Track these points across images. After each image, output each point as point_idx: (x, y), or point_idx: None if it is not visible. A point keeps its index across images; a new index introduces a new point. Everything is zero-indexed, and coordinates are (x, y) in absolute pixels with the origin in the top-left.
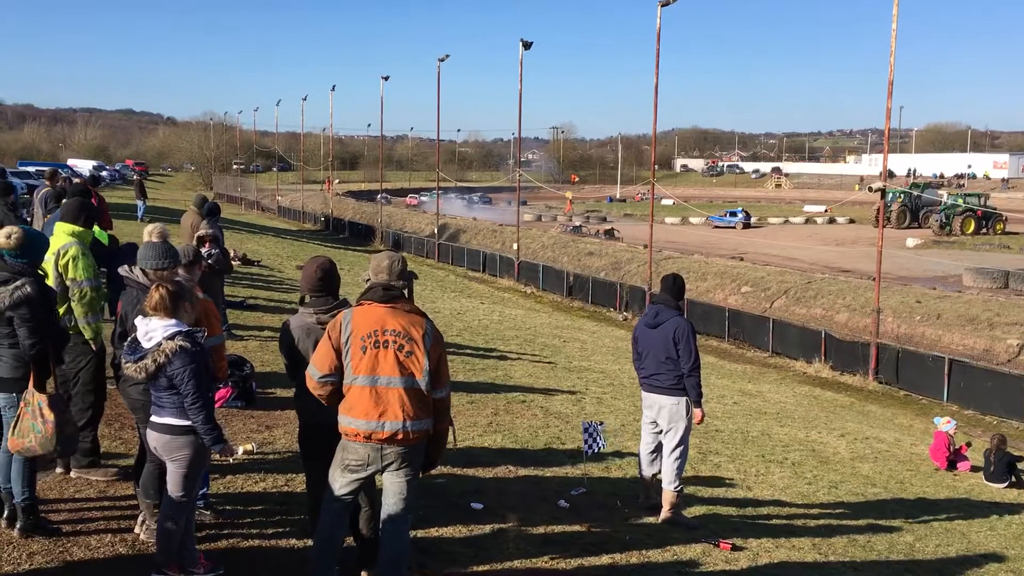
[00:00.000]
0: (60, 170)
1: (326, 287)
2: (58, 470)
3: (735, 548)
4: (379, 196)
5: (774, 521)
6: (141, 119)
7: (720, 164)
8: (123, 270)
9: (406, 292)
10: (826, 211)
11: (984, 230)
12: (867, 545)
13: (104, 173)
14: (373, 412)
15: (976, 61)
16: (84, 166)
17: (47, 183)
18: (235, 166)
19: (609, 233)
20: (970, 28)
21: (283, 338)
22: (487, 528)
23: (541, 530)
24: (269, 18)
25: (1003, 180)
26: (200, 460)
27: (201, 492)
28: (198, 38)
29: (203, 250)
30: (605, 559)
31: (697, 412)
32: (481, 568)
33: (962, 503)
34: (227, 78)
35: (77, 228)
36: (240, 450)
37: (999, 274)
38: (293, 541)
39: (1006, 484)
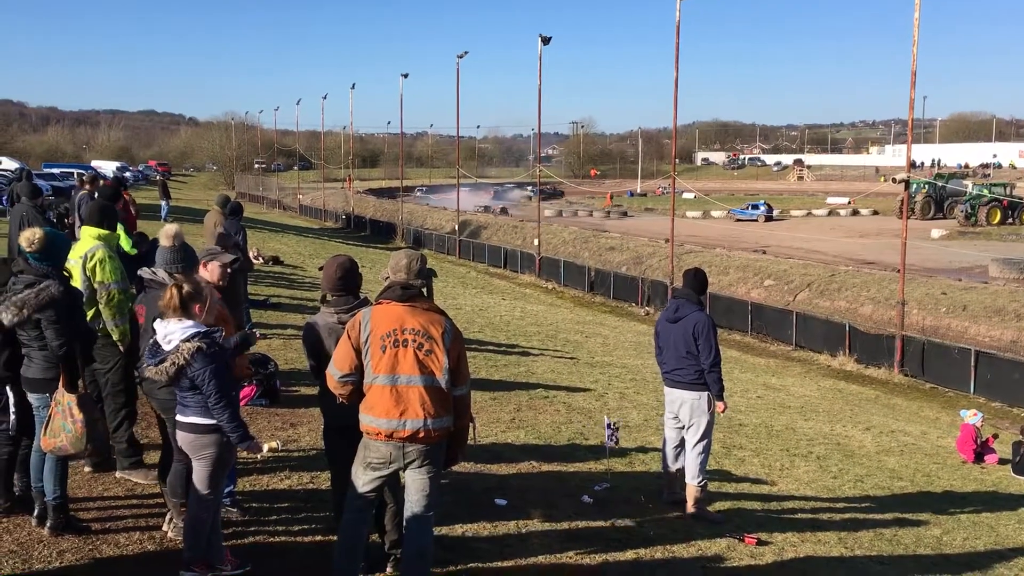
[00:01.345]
0: (98, 174)
1: (346, 286)
2: (87, 468)
3: (760, 543)
4: (417, 190)
5: (799, 515)
6: (163, 120)
7: (741, 157)
8: (145, 272)
9: (425, 290)
10: (849, 203)
11: (1010, 220)
12: (894, 539)
13: (128, 174)
14: (394, 411)
15: (1001, 49)
16: (108, 167)
17: (86, 186)
18: (256, 165)
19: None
20: (995, 15)
21: (306, 338)
22: (511, 524)
23: (565, 526)
24: (288, 16)
25: None
26: (226, 458)
27: (227, 490)
28: (219, 38)
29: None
30: (630, 554)
31: (719, 404)
32: (506, 564)
33: (990, 496)
34: (248, 78)
35: (102, 231)
36: (266, 448)
37: None
38: (319, 537)
39: None
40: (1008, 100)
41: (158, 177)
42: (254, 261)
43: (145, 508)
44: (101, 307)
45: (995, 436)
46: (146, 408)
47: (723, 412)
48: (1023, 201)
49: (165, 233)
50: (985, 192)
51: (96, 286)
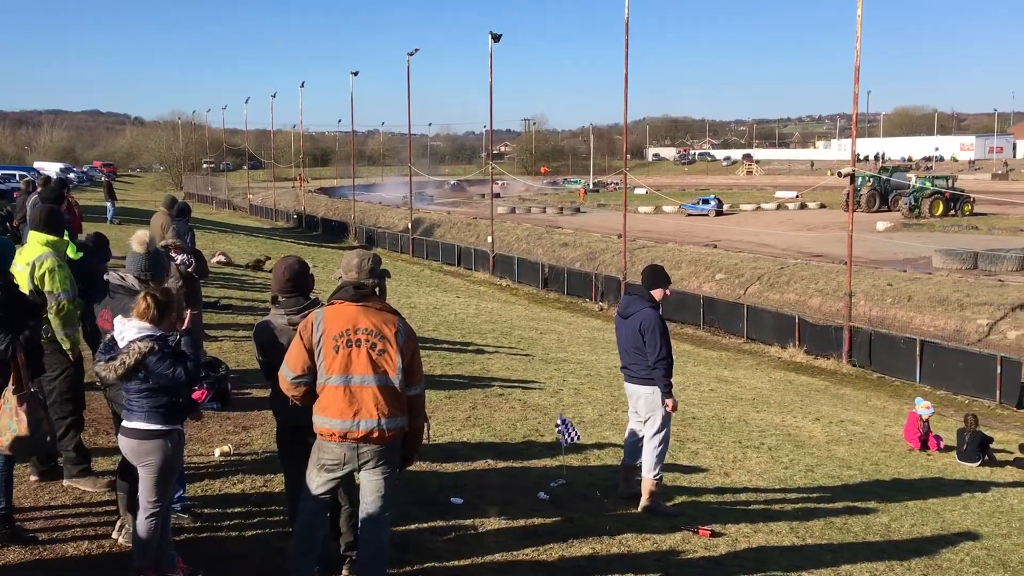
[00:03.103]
0: (51, 177)
1: (296, 287)
2: (33, 478)
3: (714, 534)
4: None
5: (752, 506)
6: (108, 120)
7: (692, 152)
8: (113, 276)
9: (378, 290)
10: (797, 197)
11: (952, 212)
12: (844, 527)
13: (72, 175)
14: (347, 411)
15: (942, 44)
16: (51, 168)
17: (39, 189)
18: (205, 165)
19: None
20: (936, 11)
21: (257, 336)
22: (467, 522)
23: (521, 523)
24: (235, 14)
25: (970, 162)
26: (171, 464)
27: (178, 495)
28: (164, 36)
29: (173, 257)
30: (586, 549)
31: (668, 402)
32: (462, 562)
33: (936, 483)
34: (194, 76)
35: (51, 237)
36: (218, 452)
37: (968, 255)
38: (273, 541)
39: (979, 463)
40: (949, 94)
41: (103, 178)
42: (214, 265)
43: (94, 516)
44: (50, 317)
45: (938, 438)
46: (93, 415)
47: (671, 410)
48: (964, 193)
49: (138, 239)
50: (928, 185)
51: (46, 295)
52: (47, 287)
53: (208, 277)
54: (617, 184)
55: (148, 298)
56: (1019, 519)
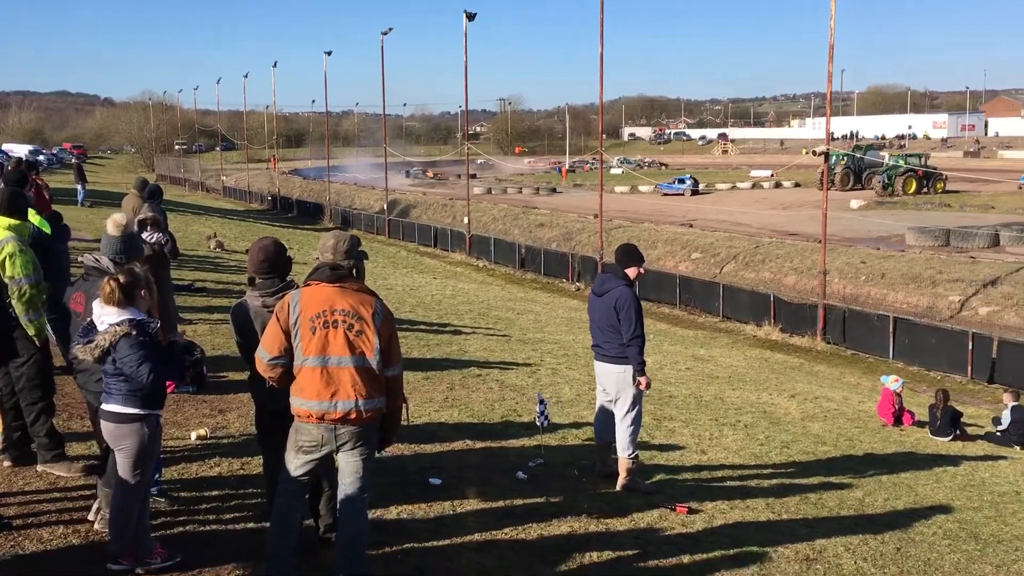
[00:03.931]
0: (22, 159)
1: (272, 269)
2: (6, 463)
3: (691, 511)
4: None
5: (728, 483)
6: (77, 100)
7: (667, 131)
8: (88, 259)
9: (356, 272)
10: (772, 176)
11: (925, 189)
12: (818, 502)
13: (41, 157)
14: (325, 392)
15: (915, 22)
16: (20, 151)
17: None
18: (177, 147)
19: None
20: None
21: (233, 321)
22: (446, 504)
23: (500, 503)
24: None
25: (942, 140)
26: (149, 448)
27: (154, 479)
28: (133, 15)
29: (145, 235)
30: (564, 528)
31: (641, 380)
32: (441, 543)
33: (909, 457)
34: (165, 56)
35: (13, 221)
36: (194, 435)
37: (940, 232)
38: (251, 524)
39: (951, 437)
40: (922, 73)
41: (73, 160)
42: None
43: (69, 502)
44: (13, 302)
45: (912, 413)
46: (67, 400)
47: (645, 388)
48: (937, 171)
49: (113, 222)
50: (901, 163)
51: (7, 280)
52: (8, 272)
53: (178, 257)
54: (593, 163)
55: (112, 282)
56: (990, 492)
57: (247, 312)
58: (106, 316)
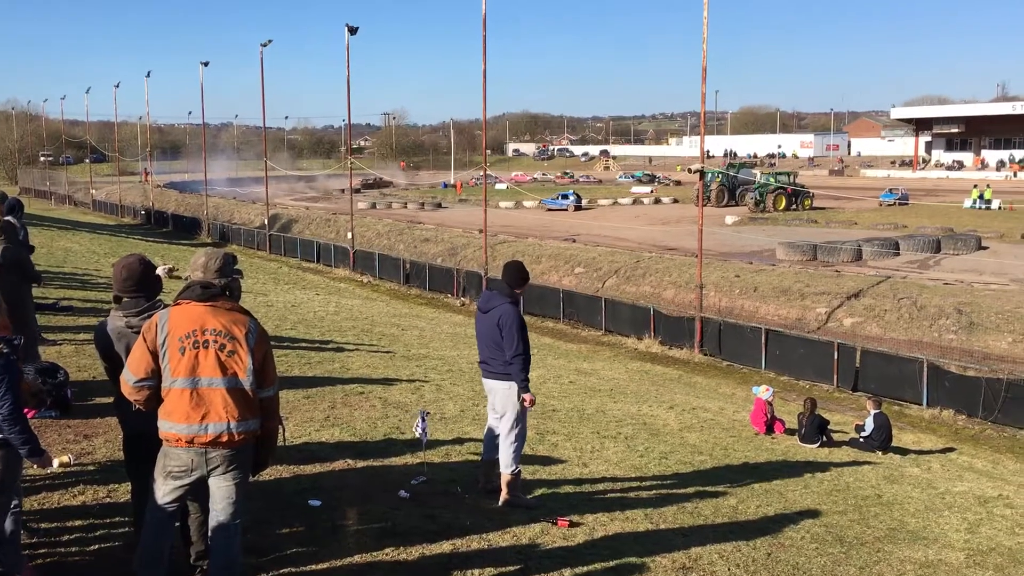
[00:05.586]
0: None
1: (137, 287)
2: None
3: (572, 524)
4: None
5: (609, 495)
6: None
7: (551, 148)
8: None
9: (228, 291)
10: (652, 192)
11: (794, 206)
12: (695, 511)
13: None
14: (194, 415)
15: (784, 46)
16: None
17: None
18: (43, 158)
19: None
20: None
21: (96, 344)
22: (326, 525)
23: (381, 523)
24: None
25: (809, 159)
26: (10, 473)
27: (13, 508)
28: None
29: None
30: (447, 546)
31: (526, 396)
32: (320, 566)
33: (780, 465)
34: (30, 64)
35: None
36: (56, 462)
37: (808, 247)
38: (118, 554)
39: (818, 444)
40: (790, 94)
41: None
42: (166, 276)
43: None
44: None
45: (782, 421)
46: None
47: (529, 406)
48: (805, 189)
49: None
50: (772, 181)
51: None
52: None
53: (40, 281)
54: (478, 179)
55: None
56: (854, 496)
57: (106, 334)
58: None
